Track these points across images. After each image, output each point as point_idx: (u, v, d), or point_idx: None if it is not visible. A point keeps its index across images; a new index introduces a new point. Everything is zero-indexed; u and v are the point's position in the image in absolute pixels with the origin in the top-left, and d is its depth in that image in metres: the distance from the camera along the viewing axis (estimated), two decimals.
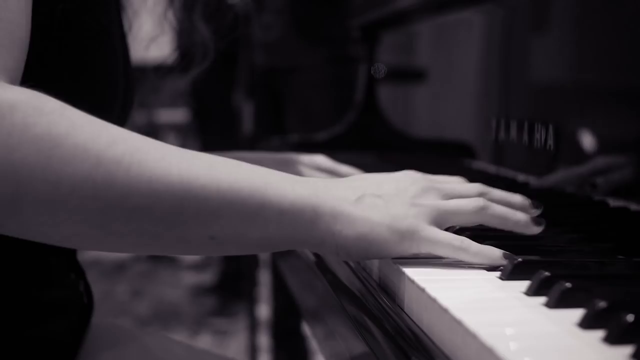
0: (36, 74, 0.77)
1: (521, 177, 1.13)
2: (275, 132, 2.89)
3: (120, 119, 0.99)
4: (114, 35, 0.97)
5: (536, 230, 0.86)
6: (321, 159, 1.29)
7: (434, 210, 0.82)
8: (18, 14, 0.76)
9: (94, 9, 0.91)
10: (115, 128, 0.73)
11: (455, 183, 0.90)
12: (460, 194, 0.86)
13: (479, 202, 0.84)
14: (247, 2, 2.99)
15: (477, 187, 0.87)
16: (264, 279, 3.24)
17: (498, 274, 0.78)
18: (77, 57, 0.88)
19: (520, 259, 0.76)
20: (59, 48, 0.84)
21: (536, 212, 0.88)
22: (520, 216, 0.85)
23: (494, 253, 0.80)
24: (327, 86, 2.99)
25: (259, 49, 3.07)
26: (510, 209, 0.85)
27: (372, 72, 1.91)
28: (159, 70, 1.36)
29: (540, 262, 0.76)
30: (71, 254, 1.04)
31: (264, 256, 3.10)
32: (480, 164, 1.28)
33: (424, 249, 0.80)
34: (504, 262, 0.79)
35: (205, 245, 0.76)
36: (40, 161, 0.68)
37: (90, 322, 1.08)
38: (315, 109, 2.97)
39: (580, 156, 0.97)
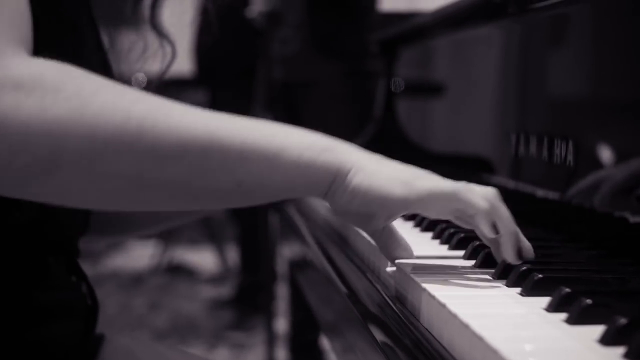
0: None
1: (540, 193, 1.12)
2: None
3: None
4: (84, 30, 0.99)
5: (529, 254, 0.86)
6: None
7: (440, 179, 0.85)
8: None
9: (58, 2, 0.93)
10: (136, 90, 0.79)
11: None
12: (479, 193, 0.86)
13: (493, 193, 0.84)
14: (265, 17, 3.00)
15: (491, 189, 0.87)
16: (282, 292, 3.24)
17: (519, 289, 0.78)
18: (44, 51, 0.90)
19: (540, 275, 0.76)
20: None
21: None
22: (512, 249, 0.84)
23: (485, 206, 0.82)
24: (345, 100, 2.99)
25: (277, 63, 3.08)
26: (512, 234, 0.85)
27: (390, 86, 1.91)
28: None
29: (560, 278, 0.76)
30: (71, 256, 1.05)
31: (282, 270, 3.10)
32: (498, 179, 1.28)
33: (426, 200, 0.83)
34: (489, 225, 0.82)
35: (234, 193, 0.82)
36: (73, 118, 0.73)
37: (97, 325, 1.08)
38: (334, 123, 2.97)
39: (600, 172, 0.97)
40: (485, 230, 0.83)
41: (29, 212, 0.82)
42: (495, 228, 0.83)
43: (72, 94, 0.74)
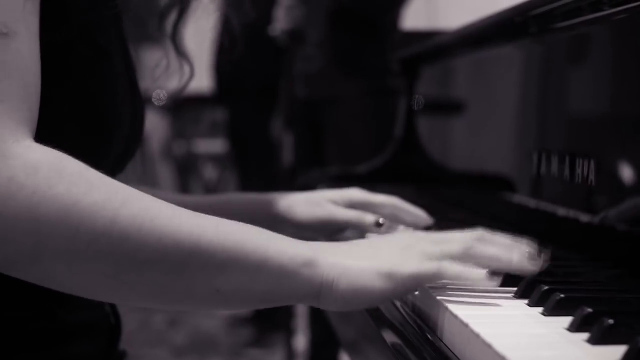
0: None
1: (561, 211, 1.13)
2: (314, 164, 2.90)
3: (129, 143, 1.01)
4: (115, 56, 0.98)
5: (532, 267, 0.86)
6: (354, 193, 1.28)
7: (419, 253, 0.85)
8: (29, 58, 0.79)
9: (89, 29, 0.92)
10: (129, 188, 0.79)
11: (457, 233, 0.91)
12: (454, 239, 0.87)
13: (465, 244, 0.86)
14: (287, 34, 3.02)
15: (476, 233, 0.88)
16: (301, 309, 3.24)
17: (540, 309, 0.78)
18: (74, 77, 0.90)
19: (562, 295, 0.77)
20: (54, 75, 0.86)
21: (535, 264, 0.87)
22: (514, 255, 0.86)
23: (476, 273, 0.83)
24: (366, 118, 3.00)
25: (299, 81, 3.09)
26: (500, 251, 0.86)
27: (411, 104, 1.92)
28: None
29: (582, 298, 0.76)
30: None
31: None
32: (519, 198, 1.28)
33: (411, 285, 0.83)
34: (489, 282, 0.82)
35: (211, 298, 0.82)
36: (60, 217, 0.74)
37: (119, 343, 1.09)
38: (355, 141, 2.98)
39: (621, 191, 0.97)
40: (484, 286, 0.84)
41: None
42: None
43: (62, 191, 0.74)
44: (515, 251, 0.87)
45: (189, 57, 1.16)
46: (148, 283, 0.79)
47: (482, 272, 0.83)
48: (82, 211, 0.74)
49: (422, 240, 0.88)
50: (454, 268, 0.83)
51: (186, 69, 1.16)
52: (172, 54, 1.15)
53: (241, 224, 0.83)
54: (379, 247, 0.87)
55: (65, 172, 0.76)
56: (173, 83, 1.19)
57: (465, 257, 0.85)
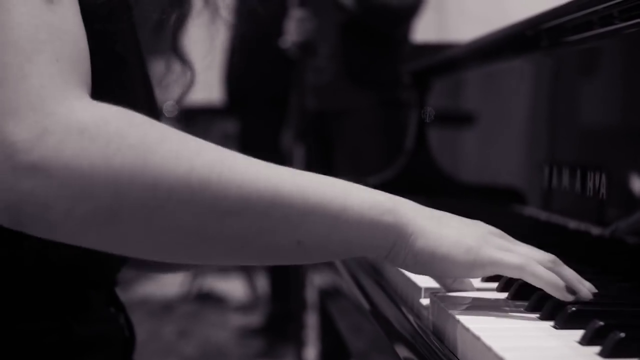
0: None
1: (572, 224, 1.13)
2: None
3: None
4: (132, 64, 0.98)
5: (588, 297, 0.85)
6: None
7: (502, 246, 0.83)
8: (76, 24, 0.79)
9: (106, 38, 0.93)
10: (199, 140, 0.77)
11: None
12: (538, 250, 0.86)
13: (550, 256, 0.84)
14: (298, 47, 3.03)
15: (550, 256, 0.86)
16: (312, 321, 3.24)
17: (552, 323, 0.78)
18: (91, 86, 0.91)
19: (574, 308, 0.77)
20: None
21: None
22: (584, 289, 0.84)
23: (557, 280, 0.81)
24: (377, 130, 3.00)
25: (310, 93, 3.10)
26: (576, 281, 0.85)
27: (422, 117, 1.92)
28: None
29: (594, 311, 0.76)
30: (110, 287, 1.05)
31: (312, 298, 3.11)
32: (530, 210, 1.28)
33: (489, 268, 0.82)
34: (563, 294, 0.80)
35: (292, 251, 0.80)
36: (137, 166, 0.72)
37: (133, 355, 1.09)
38: (366, 153, 2.98)
39: (632, 204, 0.98)
40: (559, 297, 0.82)
41: (71, 248, 0.81)
42: (569, 289, 0.82)
43: (135, 141, 0.72)
44: (583, 292, 0.84)
45: (191, 64, 1.16)
46: (230, 236, 0.77)
47: (561, 283, 0.81)
48: (159, 161, 0.73)
49: (506, 236, 0.86)
50: (539, 268, 0.81)
51: (188, 75, 1.16)
52: (174, 62, 1.15)
53: (317, 175, 0.82)
54: (466, 222, 0.86)
55: (135, 122, 0.74)
56: (177, 92, 1.19)
57: (547, 267, 0.83)
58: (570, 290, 0.82)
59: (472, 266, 0.82)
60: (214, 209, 0.75)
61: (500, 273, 0.83)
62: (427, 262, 0.82)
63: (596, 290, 0.85)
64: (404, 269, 0.84)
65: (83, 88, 0.76)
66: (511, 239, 0.87)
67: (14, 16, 0.75)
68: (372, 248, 0.83)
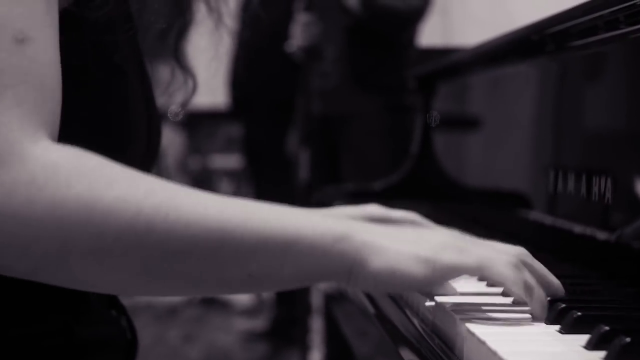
0: None
1: (577, 229, 1.13)
2: (330, 180, 2.91)
3: (145, 160, 1.01)
4: (131, 74, 0.98)
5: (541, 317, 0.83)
6: (373, 209, 1.27)
7: (464, 246, 0.82)
8: (47, 64, 0.79)
9: (105, 49, 0.92)
10: (151, 178, 0.78)
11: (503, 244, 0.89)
12: (504, 248, 0.85)
13: (512, 257, 0.83)
14: (304, 51, 3.03)
15: (518, 249, 0.85)
16: (316, 325, 3.24)
17: (558, 327, 0.78)
18: (89, 96, 0.90)
19: (579, 313, 0.77)
20: (68, 94, 0.85)
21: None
22: (543, 298, 0.83)
23: (516, 278, 0.80)
24: (383, 134, 3.00)
25: (316, 97, 3.10)
26: (546, 274, 0.84)
27: (428, 121, 1.92)
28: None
29: (599, 316, 0.76)
30: None
31: (317, 303, 3.11)
32: (535, 215, 1.28)
33: (450, 275, 0.82)
34: (521, 292, 0.80)
35: (243, 283, 0.81)
36: (83, 216, 0.73)
37: (136, 358, 1.09)
38: (371, 157, 2.98)
39: (638, 209, 0.98)
40: (517, 297, 0.82)
41: None
42: (528, 289, 0.81)
43: (82, 190, 0.74)
44: (554, 284, 0.85)
45: (192, 71, 1.16)
46: (179, 274, 0.78)
47: (520, 281, 0.80)
48: (105, 207, 0.74)
49: (466, 237, 0.86)
50: (498, 268, 0.81)
51: (190, 83, 1.16)
52: (177, 70, 1.15)
53: (269, 204, 0.81)
54: (421, 233, 0.85)
55: (84, 169, 0.75)
56: (181, 98, 1.19)
57: (516, 284, 0.81)
58: (530, 292, 0.81)
59: (432, 277, 0.81)
60: (161, 250, 0.76)
61: (463, 275, 0.82)
62: (387, 281, 0.81)
63: (563, 289, 0.85)
64: (367, 291, 0.84)
65: (44, 130, 0.77)
66: (475, 240, 0.86)
67: None
68: (328, 275, 0.82)
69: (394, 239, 0.82)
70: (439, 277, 0.82)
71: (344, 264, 0.81)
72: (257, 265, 0.79)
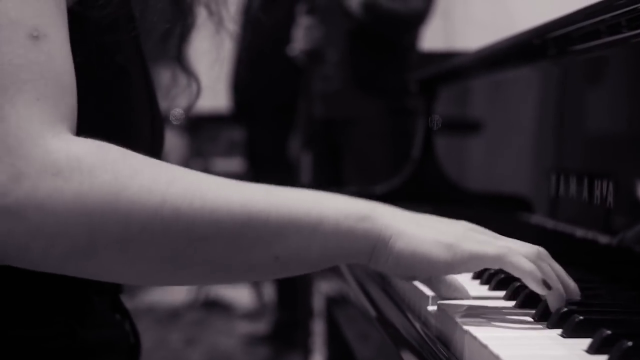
0: None
1: (579, 233, 1.13)
2: (332, 184, 2.91)
3: None
4: (134, 75, 0.99)
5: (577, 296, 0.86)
6: None
7: (486, 238, 0.85)
8: (62, 61, 0.80)
9: (108, 49, 0.93)
10: (174, 167, 0.79)
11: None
12: (524, 243, 0.86)
13: (536, 251, 0.84)
14: (306, 54, 3.03)
15: (538, 247, 0.87)
16: (318, 328, 3.24)
17: (560, 331, 0.78)
18: (93, 96, 0.91)
19: (581, 317, 0.77)
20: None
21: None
22: (561, 293, 0.84)
23: (535, 272, 0.82)
24: (385, 137, 3.01)
25: (317, 100, 3.10)
26: (564, 275, 0.85)
27: (429, 124, 1.92)
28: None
29: (601, 320, 0.76)
30: (115, 293, 1.06)
31: (319, 306, 3.11)
32: (537, 218, 1.28)
33: (470, 263, 0.83)
34: (540, 287, 0.81)
35: (270, 268, 0.82)
36: (110, 203, 0.74)
37: None
38: (373, 161, 2.99)
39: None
40: (535, 290, 0.83)
41: None
42: (545, 283, 0.83)
43: (108, 179, 0.75)
44: (571, 286, 0.86)
45: (196, 75, 1.17)
46: (205, 261, 0.79)
47: (539, 275, 0.82)
48: (130, 196, 0.75)
49: (489, 231, 0.87)
50: (518, 258, 0.82)
51: (194, 86, 1.17)
52: (180, 74, 1.16)
53: (290, 189, 0.83)
54: (444, 221, 0.87)
55: (108, 159, 0.76)
56: (184, 101, 1.20)
57: (534, 277, 0.83)
58: (547, 284, 0.82)
59: (453, 262, 0.83)
60: (187, 237, 0.77)
61: (482, 266, 0.84)
62: (409, 263, 0.83)
63: (579, 292, 0.86)
64: (386, 272, 0.85)
65: (64, 124, 0.78)
66: (495, 234, 0.88)
67: None
68: (352, 255, 0.84)
69: (417, 224, 0.84)
70: (459, 263, 0.83)
71: (367, 244, 0.82)
72: (282, 248, 0.80)
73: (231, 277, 0.85)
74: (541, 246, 0.88)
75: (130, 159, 0.78)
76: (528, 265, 0.82)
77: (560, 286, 0.84)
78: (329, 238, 0.81)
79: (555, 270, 0.85)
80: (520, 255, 0.83)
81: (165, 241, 0.76)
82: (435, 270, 0.85)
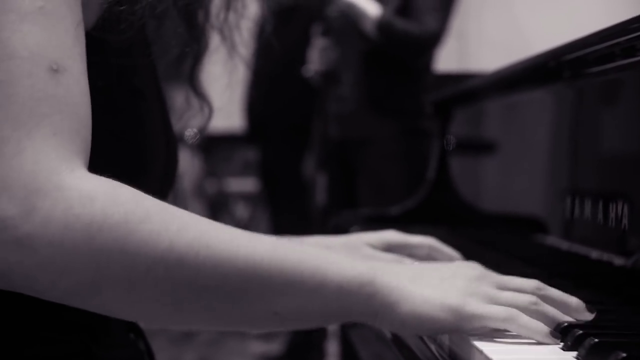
0: None
1: (594, 254, 1.13)
2: (347, 205, 2.91)
3: (163, 184, 1.02)
4: (150, 97, 1.00)
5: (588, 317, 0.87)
6: (390, 235, 1.28)
7: (486, 297, 0.85)
8: (80, 94, 0.81)
9: (125, 72, 0.94)
10: (185, 213, 0.80)
11: (512, 277, 0.91)
12: (516, 287, 0.87)
13: (532, 298, 0.85)
14: (321, 75, 3.04)
15: (533, 283, 0.88)
16: (332, 349, 3.23)
17: (575, 353, 0.78)
18: (110, 119, 0.91)
19: (596, 340, 0.77)
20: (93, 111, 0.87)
21: (589, 316, 0.88)
22: (569, 318, 0.86)
23: (541, 328, 0.82)
24: (399, 159, 3.01)
25: (332, 121, 3.11)
26: (559, 312, 0.86)
27: (444, 146, 1.93)
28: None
29: (616, 342, 0.76)
30: None
31: (333, 327, 3.10)
32: (552, 240, 1.29)
33: (476, 323, 0.83)
34: (549, 339, 0.81)
35: (269, 321, 0.83)
36: (117, 246, 0.75)
37: None
38: (388, 182, 2.99)
39: None
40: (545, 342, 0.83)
41: None
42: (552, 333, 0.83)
43: (118, 221, 0.76)
44: (573, 304, 0.87)
45: (208, 99, 1.18)
46: (206, 309, 0.80)
47: (546, 329, 0.82)
48: (139, 240, 0.76)
49: (487, 279, 0.88)
50: (523, 319, 0.83)
51: (206, 110, 1.18)
52: (192, 95, 1.17)
53: (297, 245, 0.85)
54: (445, 276, 0.87)
55: (120, 200, 0.77)
56: (197, 122, 1.20)
57: (531, 310, 0.84)
58: (556, 332, 0.83)
59: (458, 324, 0.83)
60: (190, 285, 0.78)
61: (489, 327, 0.84)
62: (414, 326, 0.84)
63: (582, 304, 0.87)
64: (396, 331, 0.86)
65: (79, 158, 0.79)
66: (495, 278, 0.88)
67: (18, 90, 0.77)
68: (354, 317, 0.85)
69: (420, 283, 0.85)
70: (465, 324, 0.84)
71: (370, 308, 0.83)
72: (283, 305, 0.81)
73: (229, 325, 0.87)
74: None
75: (143, 202, 0.79)
76: (533, 325, 0.83)
77: (572, 300, 0.86)
78: (330, 301, 0.82)
79: (554, 299, 0.87)
80: (523, 315, 0.83)
81: (168, 287, 0.78)
82: (441, 332, 0.87)
